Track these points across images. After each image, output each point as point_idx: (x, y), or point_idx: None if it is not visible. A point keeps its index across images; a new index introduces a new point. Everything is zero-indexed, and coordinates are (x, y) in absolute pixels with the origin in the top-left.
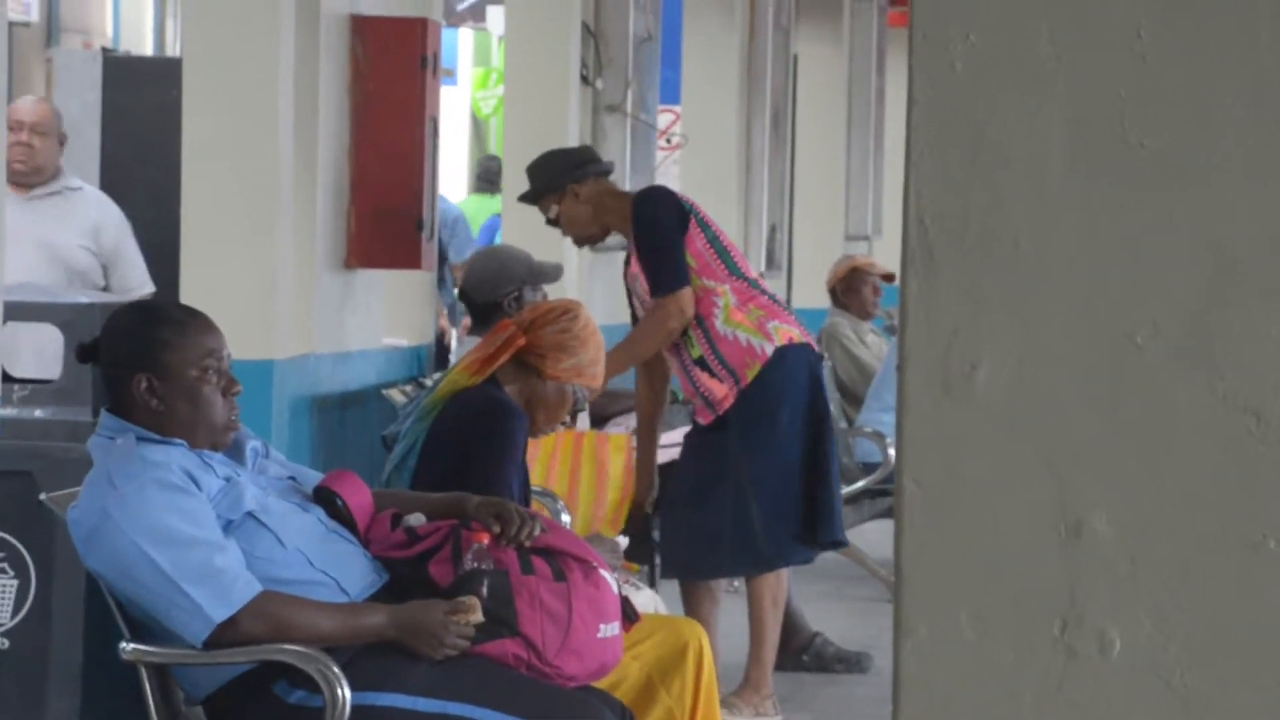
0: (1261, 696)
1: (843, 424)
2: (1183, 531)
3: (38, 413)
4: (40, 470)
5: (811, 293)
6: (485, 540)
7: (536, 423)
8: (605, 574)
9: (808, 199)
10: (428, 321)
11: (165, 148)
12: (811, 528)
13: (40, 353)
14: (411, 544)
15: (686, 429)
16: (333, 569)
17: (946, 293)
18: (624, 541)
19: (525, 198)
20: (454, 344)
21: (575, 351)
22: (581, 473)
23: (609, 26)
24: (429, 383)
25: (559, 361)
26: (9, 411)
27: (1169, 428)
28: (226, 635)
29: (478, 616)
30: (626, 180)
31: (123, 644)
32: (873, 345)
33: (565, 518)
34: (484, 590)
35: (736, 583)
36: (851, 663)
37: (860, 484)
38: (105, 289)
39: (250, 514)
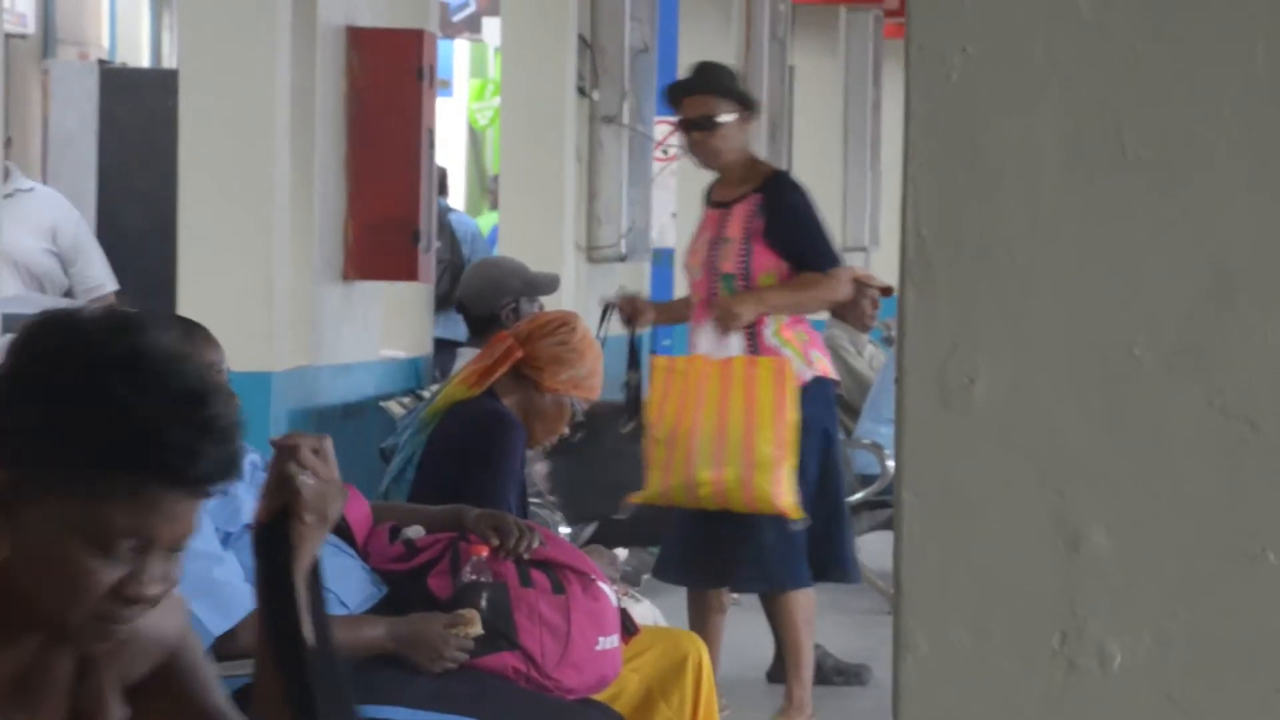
0: (1262, 709)
1: (840, 436)
2: (1182, 543)
3: None
4: None
5: None
6: (484, 553)
7: (534, 434)
8: (604, 586)
9: None
10: (425, 333)
11: (162, 159)
12: (821, 564)
13: None
14: (410, 557)
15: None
16: (331, 582)
17: (944, 305)
18: (623, 554)
19: (709, 86)
20: None
21: (573, 364)
22: (731, 399)
23: (605, 38)
24: (427, 394)
25: (556, 374)
26: None
27: (1167, 439)
28: (225, 648)
29: (477, 629)
30: (624, 192)
31: None
32: (870, 357)
33: (563, 529)
34: (483, 603)
35: (736, 595)
36: (851, 675)
37: (859, 496)
38: (68, 292)
39: (248, 526)
